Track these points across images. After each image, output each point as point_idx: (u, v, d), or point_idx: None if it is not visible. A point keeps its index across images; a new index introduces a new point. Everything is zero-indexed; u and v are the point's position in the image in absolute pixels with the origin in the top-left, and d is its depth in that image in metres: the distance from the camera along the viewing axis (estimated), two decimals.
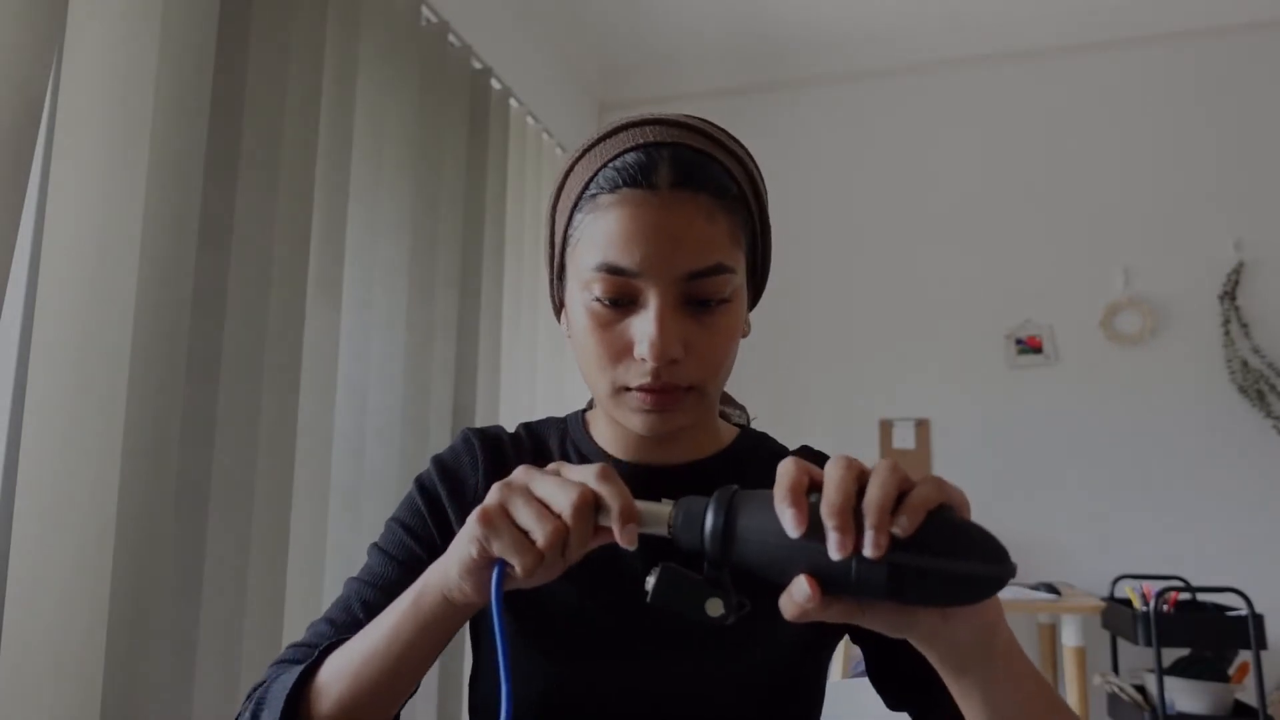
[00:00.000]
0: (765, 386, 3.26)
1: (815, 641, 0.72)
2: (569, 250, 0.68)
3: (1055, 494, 3.00)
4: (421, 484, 0.77)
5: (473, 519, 0.52)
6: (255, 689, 0.67)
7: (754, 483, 0.68)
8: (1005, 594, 2.56)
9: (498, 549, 0.52)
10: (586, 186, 0.66)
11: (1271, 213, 2.94)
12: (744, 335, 0.71)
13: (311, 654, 0.68)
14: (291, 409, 1.54)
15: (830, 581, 0.47)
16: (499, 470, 0.75)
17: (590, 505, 0.51)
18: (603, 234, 0.64)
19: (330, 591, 1.65)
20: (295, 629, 1.53)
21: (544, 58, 3.11)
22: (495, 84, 2.52)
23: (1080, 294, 3.07)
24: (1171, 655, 2.44)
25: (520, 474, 0.54)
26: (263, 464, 1.45)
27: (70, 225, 1.17)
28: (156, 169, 1.25)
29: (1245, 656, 2.39)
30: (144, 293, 1.22)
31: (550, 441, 0.79)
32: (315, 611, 1.59)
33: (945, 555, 0.45)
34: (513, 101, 2.69)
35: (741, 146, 0.71)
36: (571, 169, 0.69)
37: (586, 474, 0.52)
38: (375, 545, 0.76)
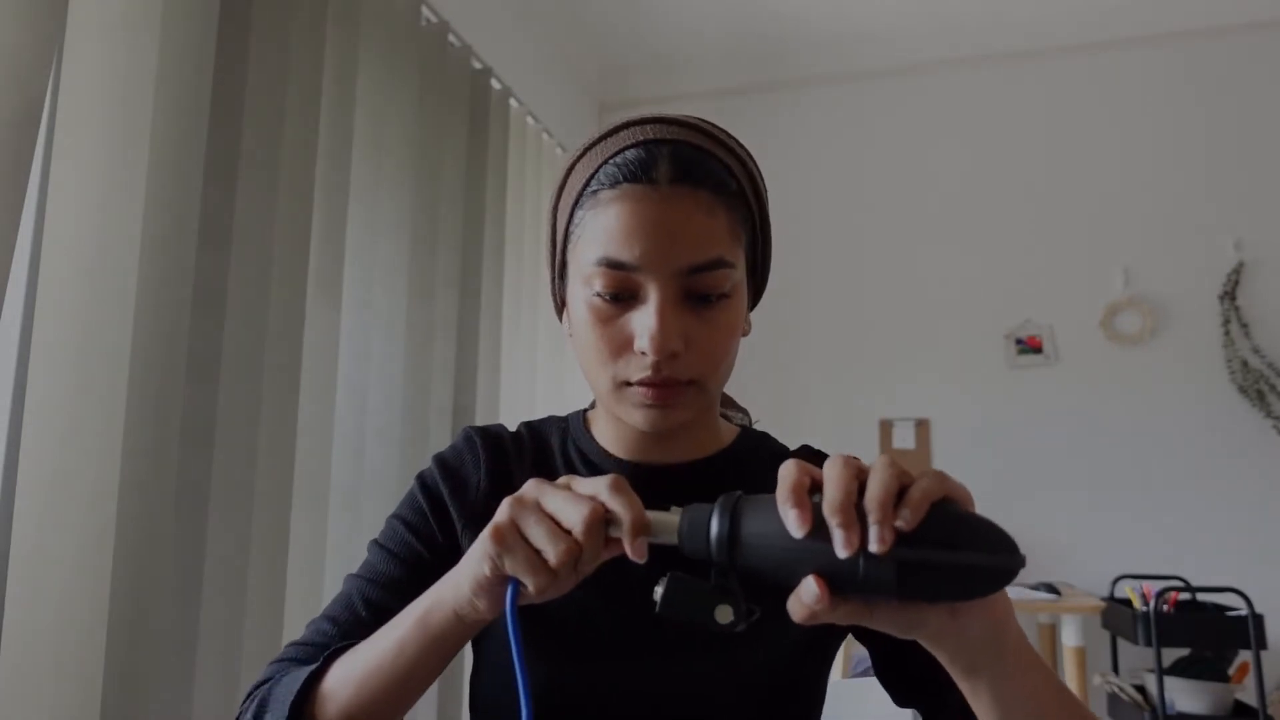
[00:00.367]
0: (765, 386, 3.25)
1: (818, 642, 0.72)
2: (570, 247, 0.69)
3: (1055, 494, 3.00)
4: (423, 481, 0.76)
5: (485, 536, 0.52)
6: (256, 687, 0.67)
7: (755, 482, 0.67)
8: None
9: (510, 567, 0.52)
10: (588, 183, 0.66)
11: (1271, 213, 2.94)
12: (745, 334, 0.71)
13: (313, 654, 0.68)
14: (291, 409, 1.54)
15: (838, 581, 0.46)
16: (501, 468, 0.76)
17: (601, 521, 0.51)
18: (603, 229, 0.64)
19: (330, 591, 1.64)
20: (295, 629, 1.53)
21: (544, 58, 3.11)
22: (495, 84, 2.52)
23: (1080, 294, 3.07)
24: (1171, 655, 2.44)
25: (531, 488, 0.54)
26: (263, 464, 1.45)
27: (70, 225, 1.17)
28: (156, 169, 1.25)
29: (1245, 656, 2.38)
30: (144, 293, 1.22)
31: (552, 440, 0.79)
32: (315, 611, 1.58)
33: (951, 548, 0.45)
34: (513, 101, 2.69)
35: (742, 147, 0.71)
36: (573, 167, 0.70)
37: (599, 486, 0.52)
38: (376, 542, 0.76)
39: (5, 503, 1.10)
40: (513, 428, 0.81)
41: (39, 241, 1.16)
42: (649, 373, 0.63)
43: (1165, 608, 2.39)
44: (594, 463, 0.75)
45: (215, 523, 1.36)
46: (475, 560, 0.54)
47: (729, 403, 0.87)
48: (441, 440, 2.06)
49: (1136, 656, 2.67)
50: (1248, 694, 2.38)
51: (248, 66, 1.48)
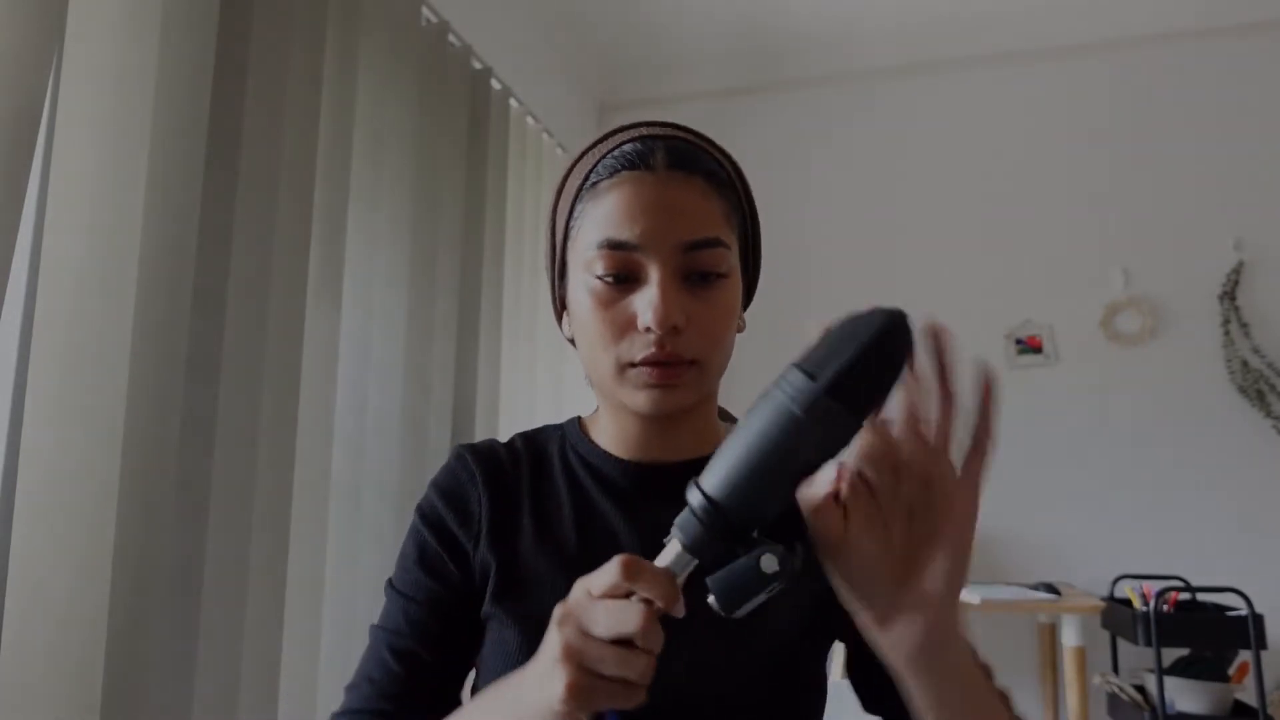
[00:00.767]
0: (765, 386, 3.25)
1: (813, 629, 0.72)
2: (570, 243, 0.70)
3: (1055, 494, 3.00)
4: (423, 514, 0.76)
5: (559, 696, 0.50)
6: None
7: None
8: (1006, 594, 2.56)
9: (602, 705, 0.50)
10: (586, 178, 0.69)
11: (1271, 213, 2.94)
12: (739, 330, 0.73)
13: None
14: (291, 409, 1.54)
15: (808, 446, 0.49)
16: (499, 481, 0.75)
17: (655, 617, 0.50)
18: (603, 214, 0.67)
19: (330, 591, 1.65)
20: (295, 629, 1.53)
21: (544, 58, 3.11)
22: (495, 84, 2.52)
23: (1080, 294, 3.07)
24: (1171, 655, 2.44)
25: (565, 622, 0.52)
26: (263, 464, 1.45)
27: (70, 225, 1.17)
28: (156, 169, 1.25)
29: (1245, 656, 2.38)
30: (144, 293, 1.22)
31: (550, 447, 0.79)
32: (315, 611, 1.59)
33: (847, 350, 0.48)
34: (513, 101, 2.69)
35: (733, 159, 0.75)
36: (571, 169, 0.72)
37: (613, 576, 0.51)
38: (392, 586, 0.76)
39: (5, 503, 1.10)
40: (505, 439, 0.81)
41: (39, 241, 1.16)
42: (652, 350, 0.65)
43: (1165, 608, 2.39)
44: (594, 465, 0.76)
45: (215, 523, 1.35)
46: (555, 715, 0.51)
47: (724, 414, 0.87)
48: (442, 440, 2.06)
49: (1136, 656, 2.67)
50: (1248, 694, 2.38)
51: (248, 66, 1.48)
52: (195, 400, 1.34)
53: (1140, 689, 2.48)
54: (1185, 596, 2.44)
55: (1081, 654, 2.48)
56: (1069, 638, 2.51)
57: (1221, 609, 2.42)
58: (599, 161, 0.69)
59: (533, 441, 0.80)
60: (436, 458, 2.02)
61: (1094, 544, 2.94)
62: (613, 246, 0.65)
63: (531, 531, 0.74)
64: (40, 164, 1.16)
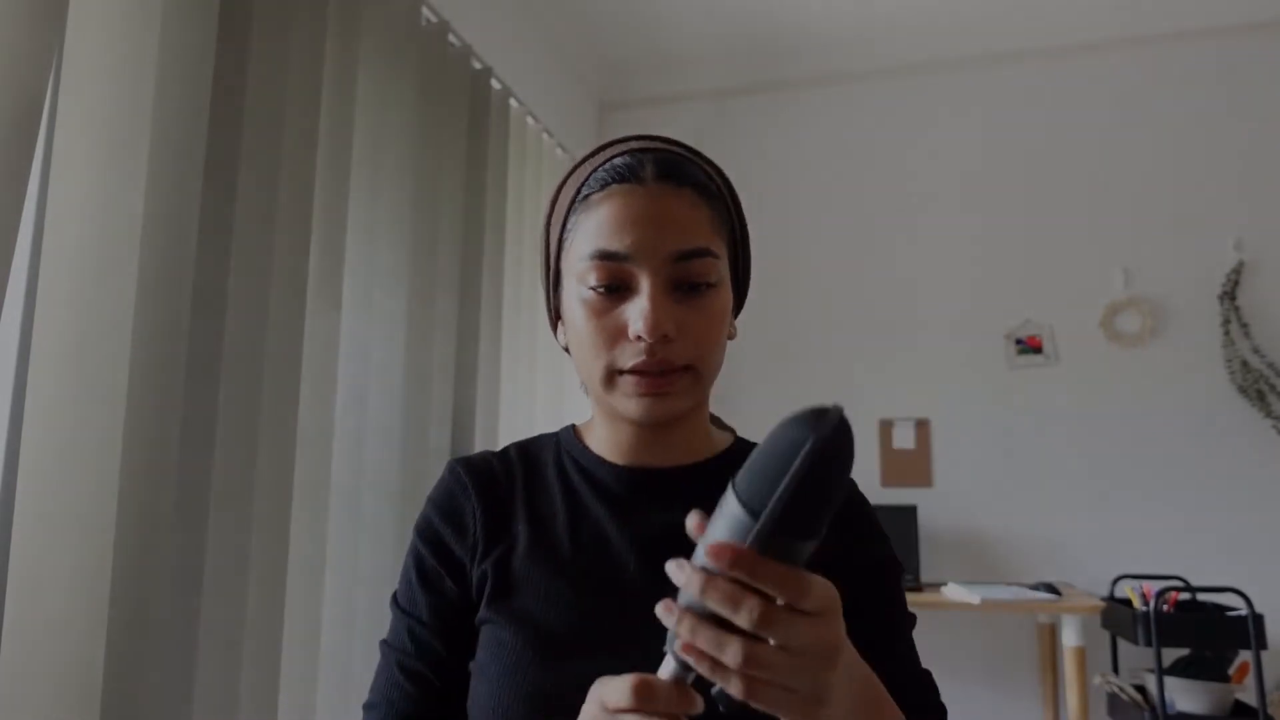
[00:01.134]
0: (765, 387, 3.25)
1: None
2: (564, 254, 0.72)
3: (1055, 494, 3.00)
4: (420, 532, 0.78)
5: None
6: None
7: None
8: (1006, 594, 2.57)
9: None
10: (579, 191, 0.71)
11: (1271, 213, 2.94)
12: (731, 338, 0.74)
13: None
14: (291, 409, 1.54)
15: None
16: (492, 493, 0.77)
17: None
18: (595, 226, 0.68)
19: (330, 591, 1.65)
20: (295, 629, 1.53)
21: (544, 58, 3.11)
22: (495, 84, 2.52)
23: (1080, 294, 3.07)
24: (1171, 655, 2.44)
25: None
26: (263, 464, 1.45)
27: (70, 225, 1.17)
28: (156, 169, 1.25)
29: (1245, 656, 2.38)
30: (144, 293, 1.22)
31: (545, 455, 0.80)
32: (315, 611, 1.59)
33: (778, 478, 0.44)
34: (513, 101, 2.69)
35: (720, 171, 0.76)
36: (564, 183, 0.74)
37: (626, 699, 0.49)
38: (396, 603, 0.77)
39: (5, 503, 1.10)
40: (499, 449, 0.82)
41: (39, 241, 1.16)
42: (643, 357, 0.66)
43: (1165, 608, 2.39)
44: (588, 471, 0.76)
45: (215, 523, 1.36)
46: None
47: (717, 422, 0.87)
48: (442, 440, 2.06)
49: (1136, 656, 2.67)
50: (1248, 694, 2.38)
51: (248, 66, 1.48)
52: (195, 400, 1.34)
53: (1140, 689, 2.48)
54: (1185, 596, 2.44)
55: (1081, 654, 2.49)
56: (1069, 638, 2.51)
57: (1221, 609, 2.42)
58: (591, 174, 0.70)
59: (527, 450, 0.81)
60: (436, 458, 2.02)
61: (1094, 544, 2.94)
62: (604, 257, 0.66)
63: (526, 538, 0.74)
64: (40, 164, 1.16)
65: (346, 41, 1.81)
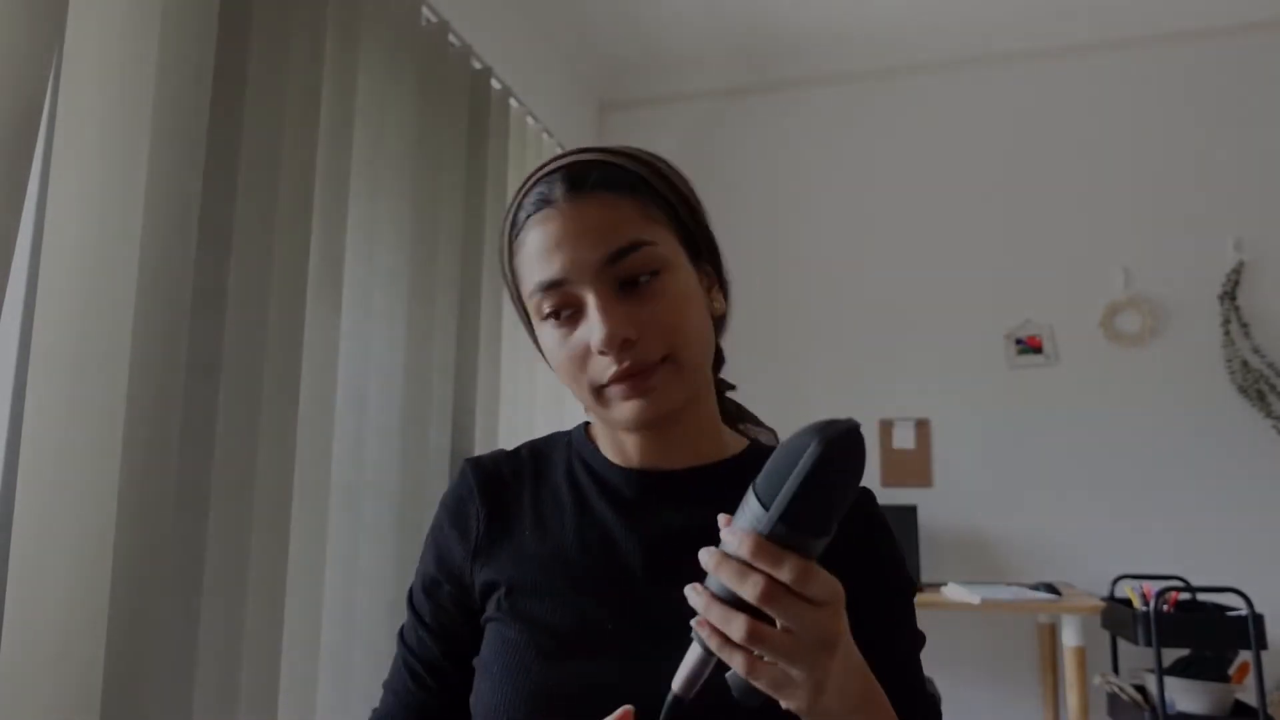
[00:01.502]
0: (765, 386, 3.24)
1: None
2: (522, 294, 0.72)
3: (1055, 494, 3.00)
4: (431, 533, 0.80)
5: None
6: None
7: None
8: (1006, 594, 2.57)
9: None
10: (510, 232, 0.72)
11: (1271, 213, 2.94)
12: (718, 313, 0.74)
13: None
14: (291, 409, 1.54)
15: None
16: (498, 496, 0.78)
17: None
18: (528, 260, 0.69)
19: (330, 591, 1.65)
20: (295, 629, 1.53)
21: (544, 58, 3.11)
22: (495, 84, 2.52)
23: (1080, 294, 3.07)
24: (1171, 655, 2.44)
25: None
26: (263, 464, 1.45)
27: (70, 225, 1.17)
28: (156, 169, 1.25)
29: (1245, 656, 2.39)
30: (144, 293, 1.22)
31: (555, 455, 0.80)
32: (315, 611, 1.59)
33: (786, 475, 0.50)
34: (513, 101, 2.69)
35: (645, 154, 0.74)
36: (501, 228, 0.75)
37: None
38: (410, 600, 0.80)
39: (5, 503, 1.10)
40: (504, 437, 0.83)
41: (39, 241, 1.16)
42: (615, 367, 0.66)
43: (1165, 608, 2.39)
44: (597, 472, 0.76)
45: (215, 523, 1.36)
46: None
47: (752, 419, 0.87)
48: (442, 440, 2.06)
49: (1136, 656, 2.67)
50: (1248, 694, 2.38)
51: (248, 66, 1.48)
52: (195, 400, 1.34)
53: (1140, 689, 2.48)
54: (1185, 596, 2.44)
55: (1082, 654, 2.49)
56: (1069, 638, 2.51)
57: (1221, 609, 2.42)
58: (515, 213, 0.71)
59: (538, 450, 0.82)
60: (436, 458, 2.02)
61: (1094, 544, 2.94)
62: (545, 288, 0.67)
63: (532, 539, 0.75)
64: (40, 164, 1.16)
65: (346, 41, 1.81)
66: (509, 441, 2.44)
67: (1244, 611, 2.32)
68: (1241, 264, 2.92)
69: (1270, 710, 2.40)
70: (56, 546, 1.10)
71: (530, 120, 2.85)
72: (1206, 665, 2.38)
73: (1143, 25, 3.11)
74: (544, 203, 0.68)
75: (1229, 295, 2.90)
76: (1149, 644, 2.34)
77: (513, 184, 2.61)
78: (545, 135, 2.99)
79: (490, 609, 0.74)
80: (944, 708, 1.69)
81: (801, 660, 0.50)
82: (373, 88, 1.92)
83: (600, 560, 0.72)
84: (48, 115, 1.16)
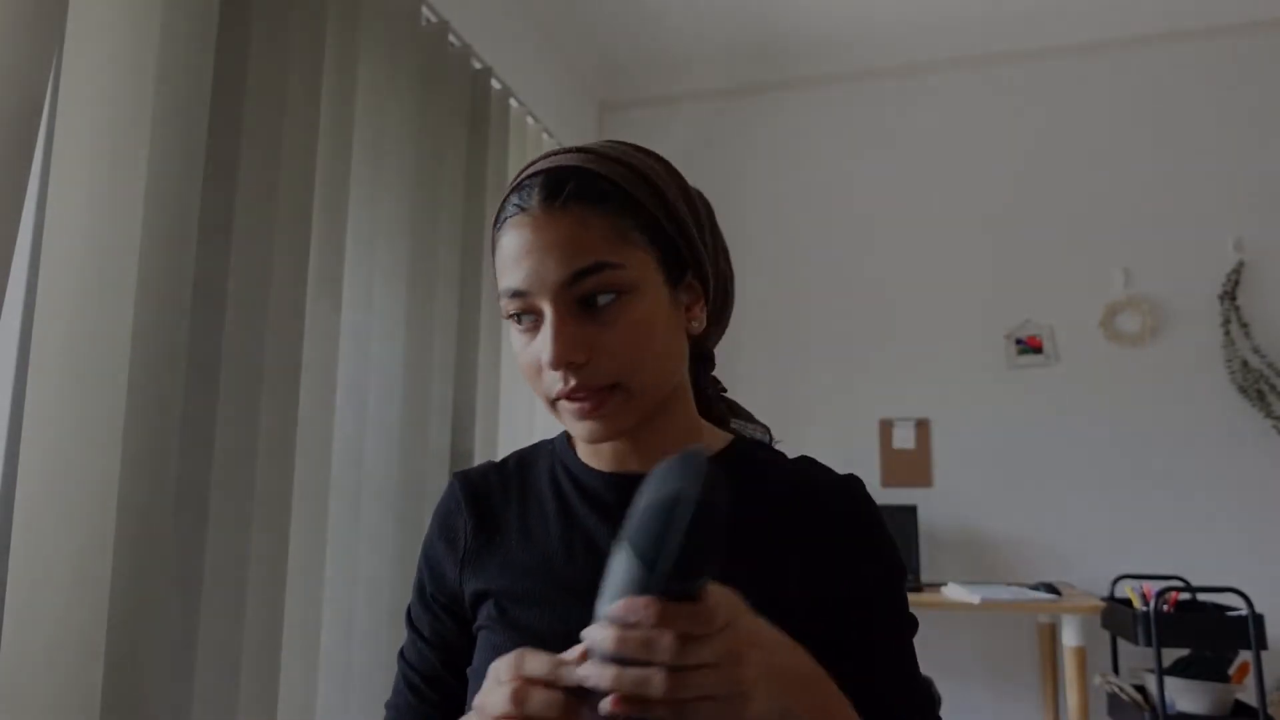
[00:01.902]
0: (765, 387, 3.25)
1: (782, 629, 0.71)
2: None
3: (1055, 494, 3.00)
4: (423, 549, 0.81)
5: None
6: None
7: (739, 491, 0.68)
8: (1006, 594, 2.57)
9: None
10: (495, 229, 0.72)
11: (1271, 213, 2.94)
12: (695, 331, 0.73)
13: None
14: (291, 409, 1.54)
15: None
16: (484, 508, 0.78)
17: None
18: (500, 263, 0.69)
19: (330, 591, 1.65)
20: (295, 630, 1.53)
21: (544, 58, 3.11)
22: (495, 84, 2.52)
23: (1080, 294, 3.07)
24: (1171, 655, 2.44)
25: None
26: (263, 464, 1.45)
27: (70, 225, 1.17)
28: (156, 168, 1.25)
29: (1245, 656, 2.38)
30: (144, 293, 1.22)
31: (539, 464, 0.81)
32: (315, 611, 1.59)
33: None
34: (513, 101, 2.69)
35: (640, 158, 0.72)
36: (491, 223, 0.75)
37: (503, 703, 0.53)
38: (408, 616, 0.80)
39: (5, 503, 1.10)
40: (504, 438, 0.83)
41: (39, 241, 1.16)
42: (562, 385, 0.66)
43: (1165, 608, 2.39)
44: (577, 478, 0.77)
45: (215, 523, 1.36)
46: None
47: (747, 416, 0.87)
48: (441, 440, 2.06)
49: (1136, 656, 2.67)
50: (1248, 694, 2.38)
51: (248, 66, 1.48)
52: (195, 400, 1.34)
53: (1140, 689, 2.48)
54: (1185, 596, 2.44)
55: (1082, 654, 2.49)
56: (1069, 638, 2.51)
57: (1221, 609, 2.42)
58: (500, 209, 0.71)
59: (524, 459, 0.82)
60: (436, 458, 2.02)
61: (1094, 544, 2.94)
62: (510, 294, 0.67)
63: (519, 548, 0.75)
64: (40, 164, 1.16)
65: (346, 42, 1.81)
66: (509, 442, 2.44)
67: (1244, 611, 2.32)
68: (1241, 264, 2.92)
69: (1270, 710, 2.40)
70: (56, 546, 1.10)
71: (530, 120, 2.85)
72: (1206, 665, 2.38)
73: (1143, 25, 3.11)
74: (520, 208, 0.68)
75: (1229, 295, 2.90)
76: (1149, 644, 2.34)
77: None
78: (545, 135, 2.99)
79: (481, 618, 0.74)
80: (944, 708, 1.69)
81: (722, 683, 0.50)
82: (373, 88, 1.92)
83: (586, 566, 0.72)
84: (48, 115, 1.16)
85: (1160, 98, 3.10)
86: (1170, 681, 2.35)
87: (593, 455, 0.76)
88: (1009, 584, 2.81)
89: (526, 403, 2.59)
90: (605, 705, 0.49)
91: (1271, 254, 2.92)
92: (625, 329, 0.66)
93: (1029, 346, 3.09)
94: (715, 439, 0.78)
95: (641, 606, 0.49)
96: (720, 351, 0.84)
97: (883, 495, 3.06)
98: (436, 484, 1.98)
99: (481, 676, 0.73)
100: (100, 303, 1.18)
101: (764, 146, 3.48)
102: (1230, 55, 3.05)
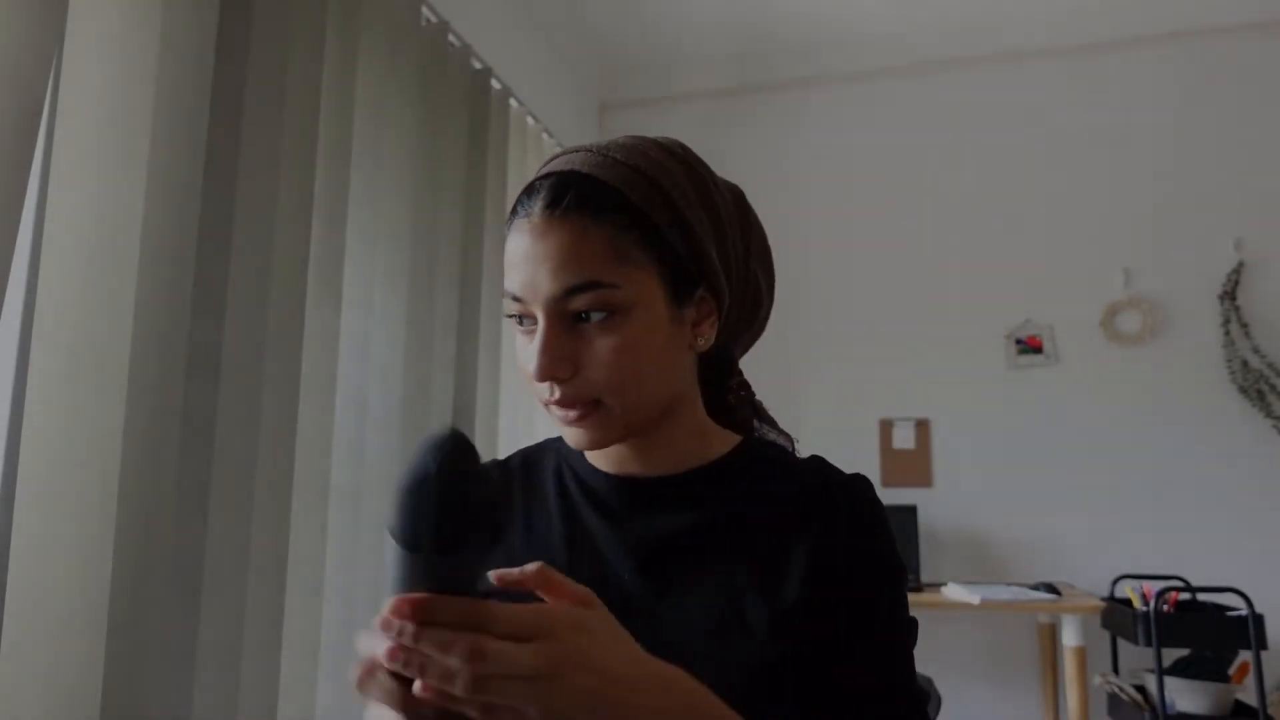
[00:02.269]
0: (765, 387, 3.23)
1: (784, 630, 0.68)
2: None
3: (1055, 494, 3.00)
4: None
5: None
6: None
7: (742, 493, 0.69)
8: (1006, 594, 2.57)
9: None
10: (507, 225, 0.71)
11: (1271, 213, 2.94)
12: (701, 349, 0.72)
13: None
14: (291, 409, 1.54)
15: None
16: None
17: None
18: (506, 260, 0.69)
19: (330, 592, 1.65)
20: (295, 630, 1.53)
21: (544, 58, 3.11)
22: (495, 84, 2.52)
23: (1080, 294, 3.07)
24: (1171, 655, 2.44)
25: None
26: (263, 464, 1.45)
27: (70, 225, 1.17)
28: (156, 169, 1.25)
29: (1245, 656, 2.38)
30: (144, 293, 1.22)
31: (545, 462, 0.80)
32: (315, 611, 1.59)
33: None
34: (513, 101, 2.69)
35: (657, 156, 0.70)
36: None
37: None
38: None
39: (5, 502, 1.10)
40: (505, 438, 0.83)
41: (39, 241, 1.16)
42: (548, 394, 0.67)
43: (1165, 608, 2.39)
44: (582, 479, 0.77)
45: (215, 522, 1.36)
46: None
47: (771, 423, 0.87)
48: None
49: (1136, 656, 2.67)
50: (1248, 694, 2.38)
51: (248, 66, 1.48)
52: (195, 400, 1.34)
53: (1140, 689, 2.47)
54: (1185, 596, 2.44)
55: (1082, 654, 2.49)
56: (1069, 638, 2.51)
57: (1221, 609, 2.42)
58: (513, 206, 0.70)
59: (530, 458, 0.82)
60: None
61: (1094, 544, 2.94)
62: (511, 298, 0.67)
63: (524, 549, 0.75)
64: (40, 164, 1.16)
65: (346, 41, 1.81)
66: (509, 442, 2.44)
67: (1244, 611, 2.32)
68: (1241, 264, 2.92)
69: (1270, 710, 2.40)
70: (56, 546, 1.10)
71: (530, 120, 2.85)
72: (1206, 665, 2.38)
73: (1143, 25, 3.11)
74: (524, 211, 0.68)
75: (1229, 295, 2.90)
76: (1149, 644, 2.34)
77: (513, 184, 2.61)
78: (545, 135, 2.99)
79: None
80: (944, 708, 1.69)
81: (533, 700, 0.47)
82: (373, 88, 1.93)
83: (590, 568, 0.71)
84: (48, 115, 1.16)
85: (1160, 98, 3.10)
86: (1170, 681, 2.35)
87: (598, 455, 0.76)
88: (1009, 584, 2.81)
89: (526, 403, 2.59)
90: (417, 687, 0.47)
91: (1271, 254, 2.92)
92: (612, 350, 0.65)
93: (1029, 346, 3.09)
94: (722, 442, 0.78)
95: (409, 605, 0.46)
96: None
97: (883, 495, 2.99)
98: None
99: None
100: (100, 303, 1.18)
101: (764, 146, 3.48)
102: (1230, 56, 3.05)
